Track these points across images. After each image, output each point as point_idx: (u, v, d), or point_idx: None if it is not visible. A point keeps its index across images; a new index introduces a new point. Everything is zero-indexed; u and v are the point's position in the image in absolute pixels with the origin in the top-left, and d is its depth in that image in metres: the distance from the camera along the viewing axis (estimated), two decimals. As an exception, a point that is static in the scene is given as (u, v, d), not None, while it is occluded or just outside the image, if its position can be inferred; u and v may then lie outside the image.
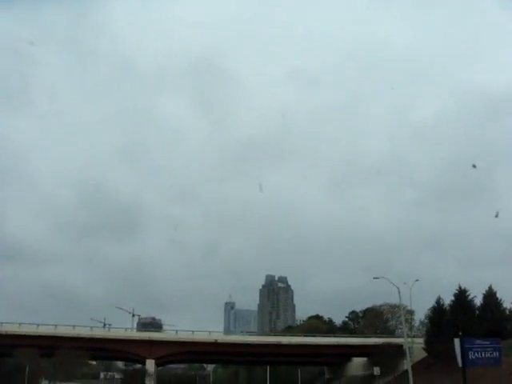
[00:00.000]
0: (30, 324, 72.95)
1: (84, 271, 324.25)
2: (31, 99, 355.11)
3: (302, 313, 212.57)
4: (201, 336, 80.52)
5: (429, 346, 73.94)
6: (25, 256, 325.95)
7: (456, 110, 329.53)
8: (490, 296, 75.88)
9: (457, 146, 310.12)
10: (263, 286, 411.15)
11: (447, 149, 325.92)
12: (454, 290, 75.50)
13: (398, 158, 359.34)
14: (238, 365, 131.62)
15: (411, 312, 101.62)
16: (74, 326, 74.93)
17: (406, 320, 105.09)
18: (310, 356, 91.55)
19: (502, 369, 50.51)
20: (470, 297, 75.09)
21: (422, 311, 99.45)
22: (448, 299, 76.30)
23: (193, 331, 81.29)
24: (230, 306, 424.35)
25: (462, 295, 74.27)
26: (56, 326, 73.74)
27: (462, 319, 68.33)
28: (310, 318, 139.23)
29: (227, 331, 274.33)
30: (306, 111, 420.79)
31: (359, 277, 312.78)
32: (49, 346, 71.26)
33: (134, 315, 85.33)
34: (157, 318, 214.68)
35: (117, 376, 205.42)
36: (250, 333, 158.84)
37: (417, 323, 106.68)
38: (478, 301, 75.56)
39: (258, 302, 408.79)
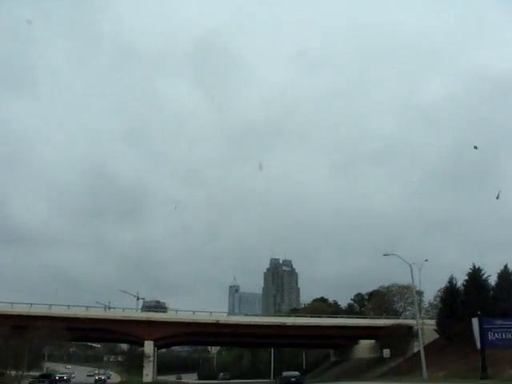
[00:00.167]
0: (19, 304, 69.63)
1: (88, 255, 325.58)
2: (34, 84, 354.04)
3: (307, 296, 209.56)
4: (202, 316, 77.23)
5: (441, 327, 70.52)
6: (29, 240, 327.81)
7: (462, 92, 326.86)
8: (506, 275, 72.16)
9: (463, 129, 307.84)
10: (268, 270, 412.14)
11: (453, 131, 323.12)
12: (464, 272, 72.44)
13: (403, 141, 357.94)
14: (242, 347, 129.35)
15: (420, 293, 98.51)
16: (68, 306, 71.72)
17: (416, 301, 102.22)
18: (315, 338, 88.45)
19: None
20: (485, 276, 71.64)
21: (428, 294, 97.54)
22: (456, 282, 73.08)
23: (193, 311, 78.00)
24: (234, 290, 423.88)
25: (476, 274, 70.54)
26: (50, 305, 70.49)
27: (476, 299, 65.02)
28: (315, 300, 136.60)
29: (231, 313, 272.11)
30: (310, 94, 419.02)
31: (364, 260, 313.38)
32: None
33: (138, 298, 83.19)
34: (161, 301, 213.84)
35: (120, 359, 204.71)
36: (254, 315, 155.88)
37: (425, 305, 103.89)
38: (493, 280, 72.08)
39: (262, 285, 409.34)
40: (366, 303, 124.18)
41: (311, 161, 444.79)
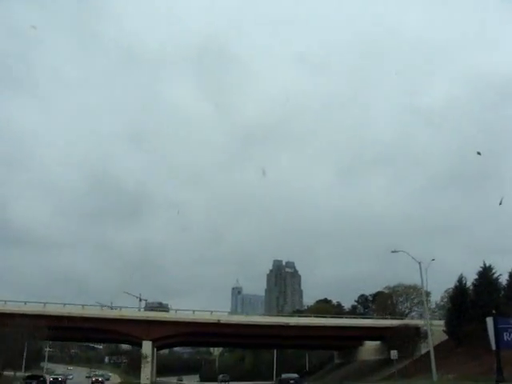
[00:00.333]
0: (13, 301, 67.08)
1: (91, 256, 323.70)
2: (36, 84, 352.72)
3: (310, 298, 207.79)
4: (202, 316, 74.57)
5: (450, 327, 67.93)
6: (31, 242, 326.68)
7: (465, 96, 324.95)
8: (518, 274, 69.47)
9: (465, 133, 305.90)
10: (270, 271, 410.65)
11: (455, 136, 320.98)
12: (469, 274, 70.10)
13: (405, 146, 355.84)
14: (244, 348, 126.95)
15: (427, 293, 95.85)
16: (64, 305, 69.07)
17: (422, 302, 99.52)
18: (319, 339, 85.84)
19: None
20: (495, 275, 68.99)
21: (434, 295, 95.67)
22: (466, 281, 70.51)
23: (193, 311, 75.31)
24: (237, 291, 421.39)
25: (486, 273, 67.97)
26: (45, 304, 67.95)
27: (487, 299, 62.52)
28: (318, 301, 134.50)
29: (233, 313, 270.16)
30: (312, 98, 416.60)
31: (366, 263, 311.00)
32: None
33: (141, 300, 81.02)
34: (164, 302, 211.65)
35: (121, 360, 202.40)
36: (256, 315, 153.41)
37: (432, 305, 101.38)
38: (504, 279, 69.39)
39: (265, 286, 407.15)
40: (370, 305, 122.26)
41: (314, 165, 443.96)
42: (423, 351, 72.19)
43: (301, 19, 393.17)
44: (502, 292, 67.83)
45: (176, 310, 75.72)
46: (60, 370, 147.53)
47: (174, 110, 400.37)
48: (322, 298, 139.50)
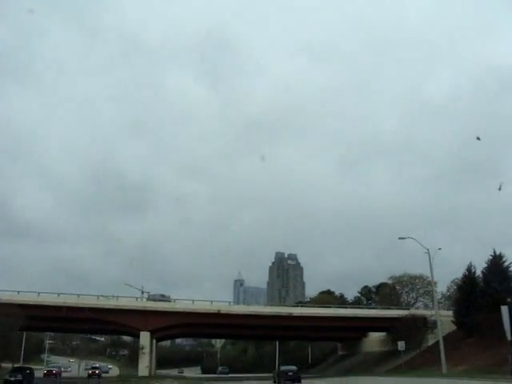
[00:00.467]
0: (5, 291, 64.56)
1: (93, 248, 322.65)
2: (37, 75, 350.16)
3: (312, 290, 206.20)
4: (202, 306, 72.08)
5: (459, 318, 65.45)
6: (34, 233, 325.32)
7: (469, 86, 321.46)
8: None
9: (470, 123, 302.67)
10: (273, 264, 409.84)
11: (460, 126, 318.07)
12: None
13: (409, 135, 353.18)
14: (246, 340, 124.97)
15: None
16: (58, 294, 66.65)
17: (428, 292, 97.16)
18: (322, 330, 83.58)
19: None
20: (506, 264, 66.40)
21: (439, 286, 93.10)
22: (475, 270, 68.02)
23: (193, 300, 72.85)
24: (239, 284, 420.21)
25: (496, 262, 65.40)
26: (39, 293, 65.62)
27: (497, 288, 60.15)
28: (321, 293, 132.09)
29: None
30: (316, 87, 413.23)
31: (369, 254, 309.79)
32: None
33: (143, 292, 79.00)
34: (166, 294, 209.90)
35: (122, 352, 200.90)
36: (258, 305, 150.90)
37: (438, 296, 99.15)
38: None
39: (267, 279, 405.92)
40: (373, 296, 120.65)
41: (317, 155, 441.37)
42: (430, 342, 70.01)
43: (304, 8, 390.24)
44: (513, 281, 65.67)
45: (175, 300, 73.24)
46: (62, 362, 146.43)
47: (175, 99, 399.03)
48: (324, 290, 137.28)
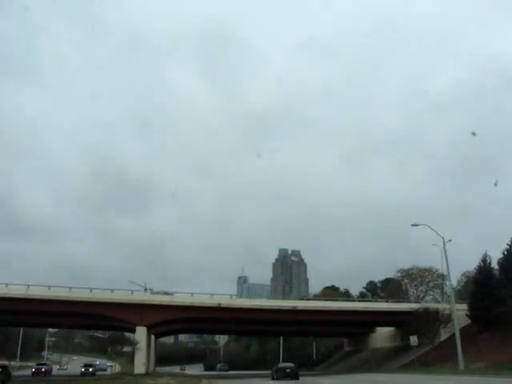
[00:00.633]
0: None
1: (96, 245, 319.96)
2: (40, 71, 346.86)
3: (316, 287, 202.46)
4: (201, 299, 68.18)
5: (474, 311, 61.71)
6: (37, 230, 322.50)
7: (472, 82, 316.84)
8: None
9: (473, 119, 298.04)
10: (276, 260, 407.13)
11: (463, 121, 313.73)
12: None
13: (412, 129, 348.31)
14: (249, 336, 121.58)
15: (443, 277, 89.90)
16: (49, 287, 62.82)
17: (438, 285, 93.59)
18: (328, 325, 79.89)
19: None
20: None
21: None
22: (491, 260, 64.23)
23: (192, 293, 68.81)
24: (242, 280, 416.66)
25: (513, 251, 61.74)
26: (28, 286, 61.86)
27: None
28: (326, 288, 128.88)
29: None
30: (319, 81, 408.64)
31: (373, 249, 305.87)
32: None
33: (146, 289, 75.85)
34: (170, 291, 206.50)
35: (125, 349, 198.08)
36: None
37: (449, 290, 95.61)
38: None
39: (271, 275, 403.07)
40: (379, 291, 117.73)
41: (320, 150, 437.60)
42: (443, 337, 66.30)
43: (306, 3, 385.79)
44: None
45: (173, 293, 69.20)
46: (64, 359, 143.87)
47: (179, 96, 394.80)
48: (328, 285, 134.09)
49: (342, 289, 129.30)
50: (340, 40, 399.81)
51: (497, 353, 50.52)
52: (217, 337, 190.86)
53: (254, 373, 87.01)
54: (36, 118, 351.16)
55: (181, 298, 67.67)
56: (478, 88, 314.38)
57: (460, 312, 62.24)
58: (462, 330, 60.05)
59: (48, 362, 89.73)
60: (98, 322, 68.85)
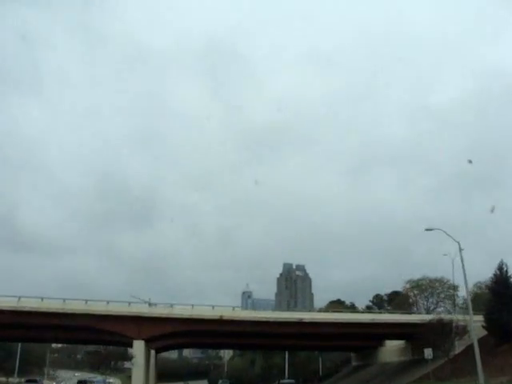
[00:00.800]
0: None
1: (100, 261, 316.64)
2: (43, 86, 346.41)
3: (321, 302, 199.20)
4: (202, 312, 64.65)
5: (491, 322, 58.18)
6: (40, 246, 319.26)
7: (476, 95, 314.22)
8: None
9: (477, 132, 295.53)
10: (281, 275, 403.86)
11: (467, 135, 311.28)
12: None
13: (415, 145, 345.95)
14: (253, 350, 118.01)
15: (455, 287, 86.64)
16: (41, 299, 59.55)
17: (450, 296, 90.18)
18: (335, 339, 76.45)
19: None
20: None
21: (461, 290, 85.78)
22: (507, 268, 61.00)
23: (192, 305, 65.27)
24: (247, 296, 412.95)
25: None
26: (19, 297, 58.73)
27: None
28: (331, 302, 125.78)
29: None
30: (321, 97, 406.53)
31: (378, 264, 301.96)
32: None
33: (150, 304, 72.74)
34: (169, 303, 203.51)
35: (126, 365, 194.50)
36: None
37: (460, 301, 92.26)
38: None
39: (275, 290, 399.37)
40: (385, 305, 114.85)
41: (324, 164, 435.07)
42: (458, 350, 62.80)
43: (307, 16, 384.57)
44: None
45: (172, 305, 65.64)
46: (67, 375, 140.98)
47: (182, 110, 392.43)
48: (334, 299, 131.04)
49: (347, 302, 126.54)
50: (342, 55, 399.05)
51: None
52: (221, 352, 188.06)
53: None
54: (39, 132, 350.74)
55: (180, 310, 64.02)
56: (483, 102, 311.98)
57: (476, 323, 58.66)
58: (479, 342, 56.40)
59: (39, 378, 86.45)
60: (93, 335, 65.42)
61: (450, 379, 52.97)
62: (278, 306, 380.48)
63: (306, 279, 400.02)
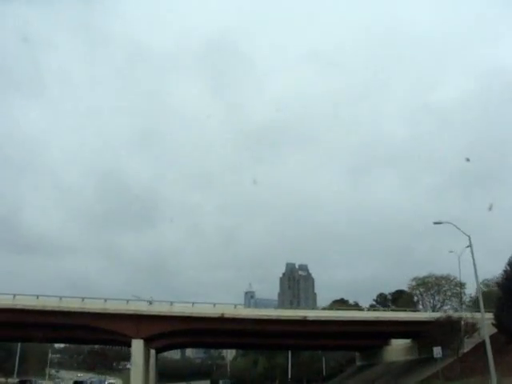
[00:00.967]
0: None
1: (101, 261, 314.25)
2: (45, 86, 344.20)
3: (324, 301, 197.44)
4: (202, 310, 62.60)
5: (501, 320, 56.20)
6: (41, 246, 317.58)
7: (477, 93, 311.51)
8: None
9: (479, 131, 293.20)
10: (283, 275, 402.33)
11: (469, 133, 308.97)
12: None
13: (418, 144, 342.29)
14: (256, 350, 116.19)
15: (462, 284, 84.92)
16: (37, 296, 57.78)
17: (456, 294, 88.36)
18: (340, 338, 74.51)
19: None
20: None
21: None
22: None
23: (193, 303, 63.30)
24: (249, 296, 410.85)
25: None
26: (15, 295, 56.92)
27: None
28: (335, 301, 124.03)
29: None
30: (323, 96, 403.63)
31: (380, 263, 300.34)
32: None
33: (151, 303, 71.20)
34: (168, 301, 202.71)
35: (128, 365, 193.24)
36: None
37: (466, 299, 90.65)
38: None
39: (278, 290, 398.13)
40: (389, 304, 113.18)
41: (326, 164, 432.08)
42: (467, 348, 60.90)
43: (309, 15, 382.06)
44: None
45: (172, 303, 63.56)
46: (69, 376, 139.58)
47: (183, 110, 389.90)
48: (337, 299, 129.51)
49: (351, 302, 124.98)
50: (343, 55, 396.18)
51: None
52: (224, 352, 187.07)
53: None
54: (41, 133, 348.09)
55: (180, 308, 61.92)
56: (485, 100, 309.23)
57: (485, 321, 56.92)
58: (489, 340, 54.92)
59: (32, 379, 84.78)
60: (90, 334, 63.51)
61: (460, 379, 51.13)
62: (280, 306, 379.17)
63: (308, 279, 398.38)
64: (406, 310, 73.56)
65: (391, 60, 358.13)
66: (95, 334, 61.23)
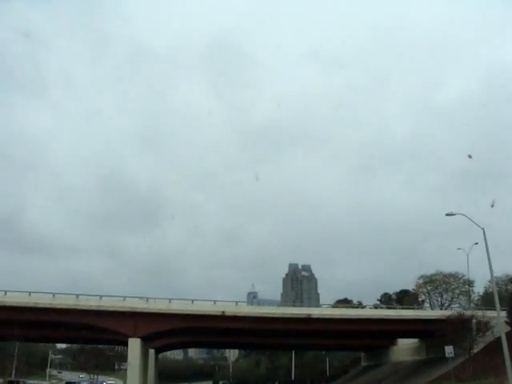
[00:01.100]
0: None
1: (103, 261, 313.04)
2: (46, 87, 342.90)
3: (327, 302, 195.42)
4: (202, 307, 60.18)
5: (515, 317, 53.83)
6: (44, 247, 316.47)
7: (482, 92, 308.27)
8: None
9: (483, 129, 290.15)
10: (286, 275, 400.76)
11: (473, 132, 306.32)
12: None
13: (422, 142, 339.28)
14: (259, 350, 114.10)
15: (471, 282, 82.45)
16: (29, 293, 55.52)
17: (465, 292, 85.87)
18: (345, 337, 72.21)
19: None
20: None
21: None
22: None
23: (192, 300, 60.83)
24: (252, 296, 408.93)
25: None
26: (6, 292, 54.66)
27: None
28: (338, 301, 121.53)
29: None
30: (327, 93, 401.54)
31: (384, 263, 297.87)
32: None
33: (147, 299, 69.37)
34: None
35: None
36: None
37: (475, 297, 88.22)
38: None
39: (281, 291, 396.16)
40: (394, 303, 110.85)
41: (329, 164, 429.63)
42: (478, 348, 58.30)
43: (312, 16, 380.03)
44: None
45: (170, 300, 61.00)
46: (72, 376, 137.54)
47: (185, 109, 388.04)
48: (340, 299, 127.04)
49: (355, 301, 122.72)
50: (345, 53, 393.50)
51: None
52: (227, 353, 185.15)
53: None
54: (42, 134, 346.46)
55: (179, 305, 59.33)
56: (490, 98, 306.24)
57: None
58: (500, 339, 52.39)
59: (22, 380, 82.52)
60: (86, 333, 60.98)
61: (473, 380, 48.57)
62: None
63: (311, 279, 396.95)
64: (413, 308, 71.08)
65: (392, 60, 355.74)
66: (91, 332, 58.61)
